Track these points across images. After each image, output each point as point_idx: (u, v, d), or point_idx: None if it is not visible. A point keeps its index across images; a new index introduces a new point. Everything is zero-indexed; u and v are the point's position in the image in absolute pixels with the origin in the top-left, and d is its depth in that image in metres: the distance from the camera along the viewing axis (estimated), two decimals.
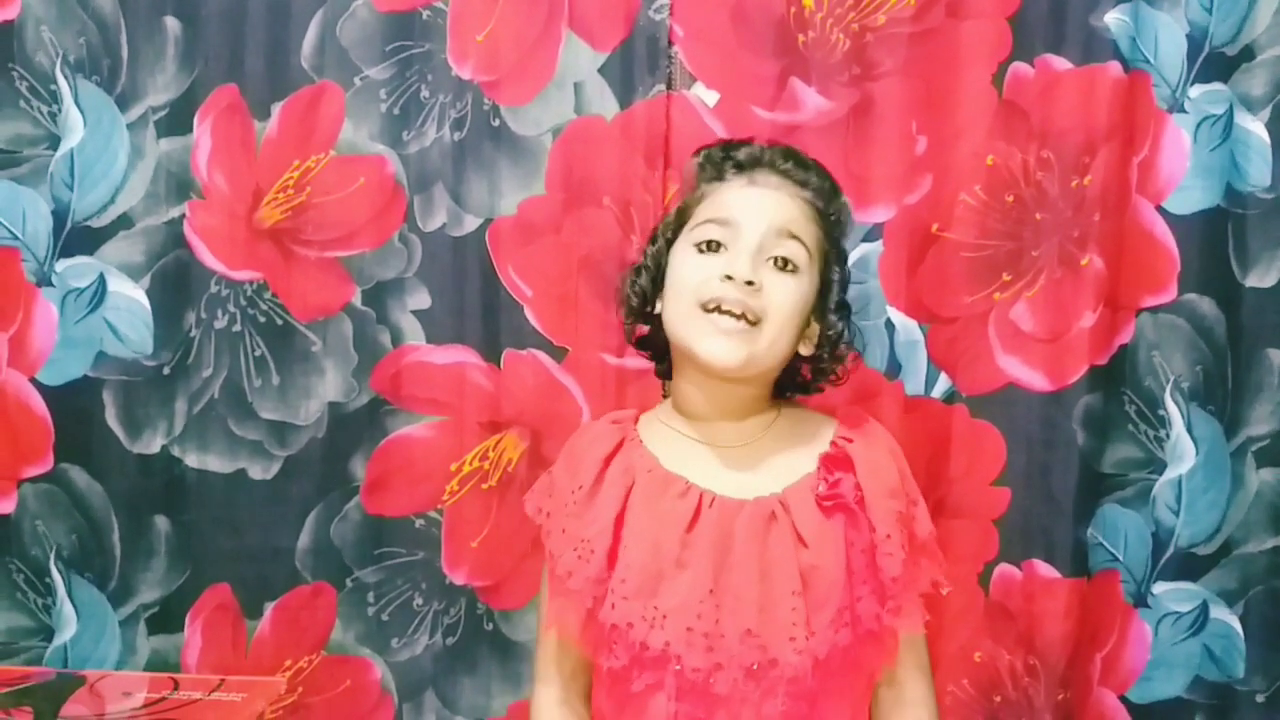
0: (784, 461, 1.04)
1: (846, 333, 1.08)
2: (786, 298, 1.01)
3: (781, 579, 0.98)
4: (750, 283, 0.99)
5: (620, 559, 1.01)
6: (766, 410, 1.08)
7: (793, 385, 1.11)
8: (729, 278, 0.99)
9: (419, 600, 1.37)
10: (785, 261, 1.02)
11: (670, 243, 1.07)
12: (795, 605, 0.97)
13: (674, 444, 1.06)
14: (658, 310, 1.08)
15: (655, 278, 1.08)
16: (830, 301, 1.07)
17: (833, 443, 1.05)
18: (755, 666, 0.97)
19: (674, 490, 1.02)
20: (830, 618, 0.98)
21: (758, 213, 1.03)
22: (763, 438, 1.06)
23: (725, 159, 1.08)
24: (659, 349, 1.13)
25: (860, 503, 1.01)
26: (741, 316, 0.99)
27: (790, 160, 1.07)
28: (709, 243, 1.03)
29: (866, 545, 1.00)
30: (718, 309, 1.00)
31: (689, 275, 1.02)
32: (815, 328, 1.06)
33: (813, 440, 1.06)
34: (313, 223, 1.35)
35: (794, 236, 1.03)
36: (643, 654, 0.98)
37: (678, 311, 1.03)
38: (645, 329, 1.13)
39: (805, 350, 1.07)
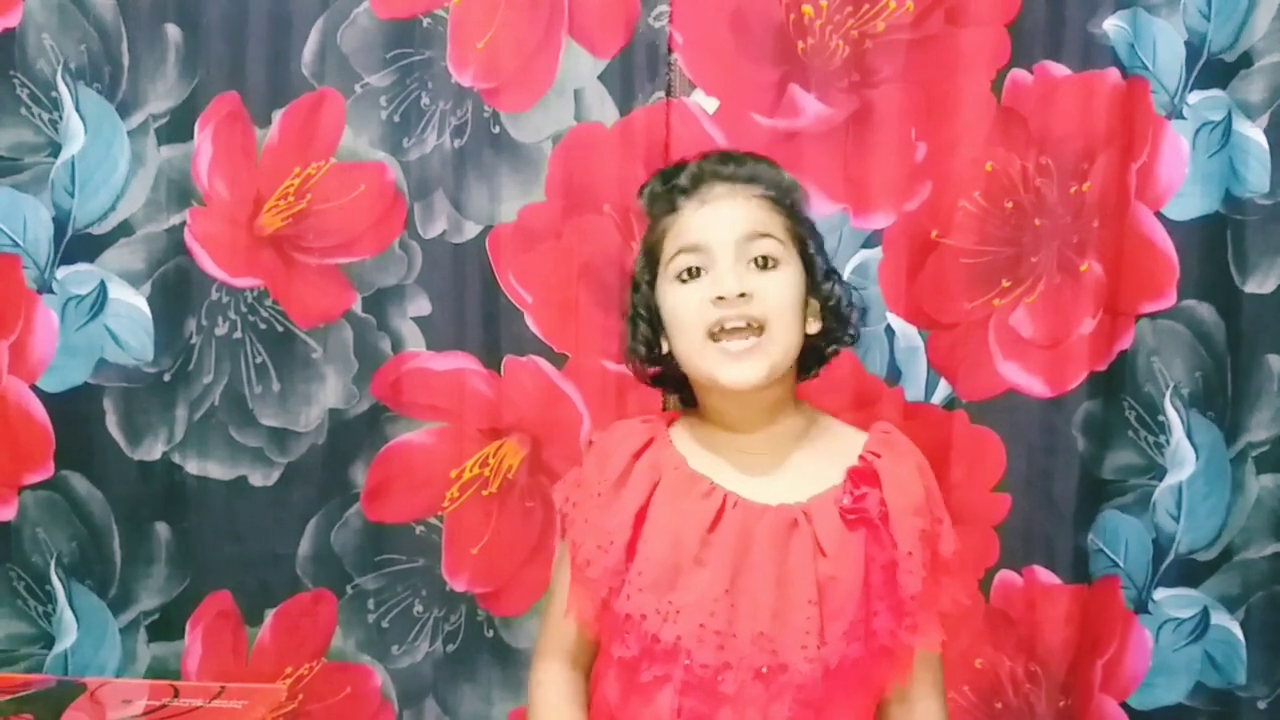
0: (812, 472, 1.05)
1: (844, 295, 1.09)
2: (781, 293, 1.03)
3: (798, 586, 0.99)
4: (743, 294, 1.00)
5: (639, 552, 1.02)
6: (794, 414, 1.08)
7: (812, 360, 1.11)
8: (721, 298, 1.01)
9: (419, 607, 1.37)
10: (765, 260, 1.03)
11: (651, 284, 1.08)
12: (810, 614, 0.98)
13: (703, 447, 1.07)
14: (665, 351, 1.09)
15: (652, 321, 1.09)
16: (819, 274, 1.08)
17: (861, 457, 1.05)
18: (765, 669, 0.98)
19: (698, 490, 1.03)
20: (844, 629, 0.99)
21: (721, 228, 1.04)
22: (792, 447, 1.07)
23: (669, 189, 1.08)
24: (675, 382, 1.13)
25: (884, 518, 1.01)
26: (748, 328, 1.01)
27: (728, 163, 1.08)
28: (689, 270, 1.04)
29: (887, 561, 1.00)
30: (722, 330, 1.01)
31: (683, 309, 1.04)
32: (814, 304, 1.08)
33: (842, 453, 1.06)
34: (313, 230, 1.35)
35: (763, 234, 1.04)
36: (654, 646, 0.99)
37: (688, 347, 1.04)
38: (656, 369, 1.14)
39: (813, 328, 1.08)
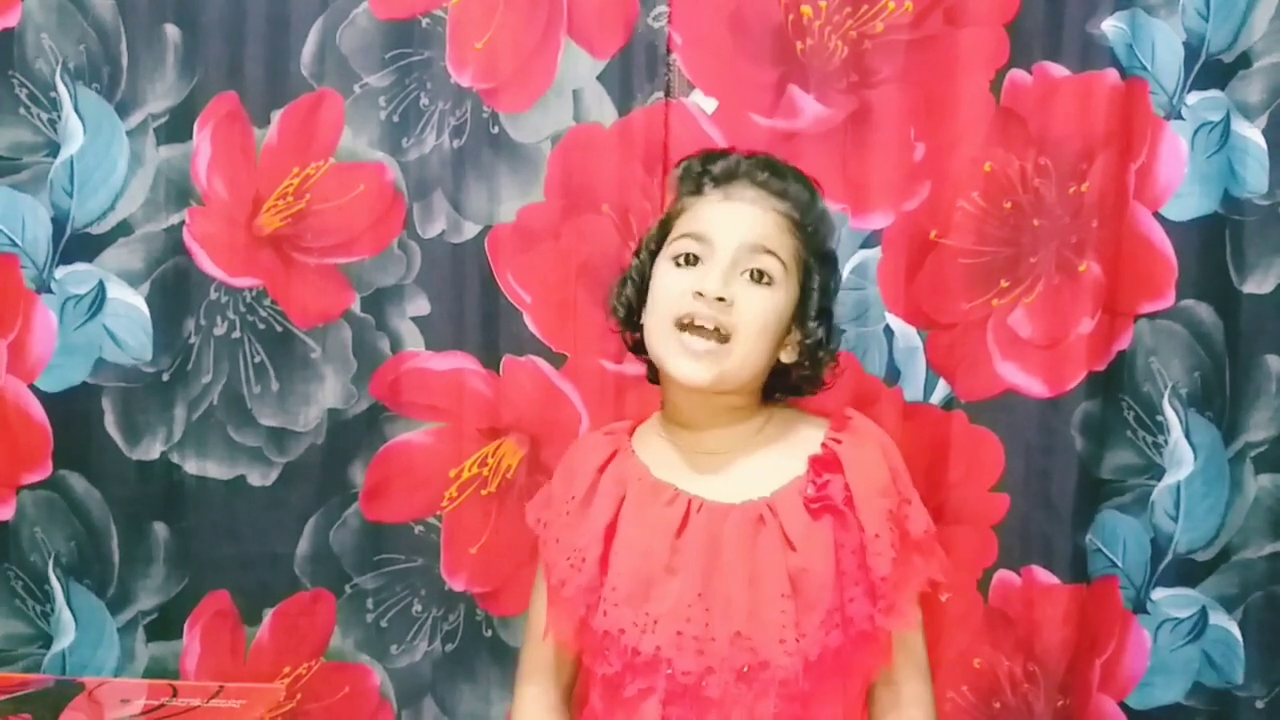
0: (774, 465, 1.05)
1: (827, 340, 1.08)
2: (758, 311, 1.02)
3: (770, 582, 0.99)
4: (721, 299, 1.00)
5: (612, 567, 1.02)
6: (755, 415, 1.08)
7: (785, 388, 1.12)
8: (700, 294, 1.00)
9: (418, 607, 1.37)
10: (760, 274, 1.03)
11: (654, 255, 1.09)
12: (784, 608, 0.98)
13: (665, 453, 1.08)
14: (644, 320, 1.09)
15: (640, 289, 1.10)
16: (810, 309, 1.07)
17: (823, 444, 1.05)
18: (746, 669, 0.98)
19: (663, 497, 1.04)
20: (820, 619, 0.99)
21: (731, 229, 1.04)
22: (753, 442, 1.07)
23: (703, 173, 1.09)
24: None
25: (849, 503, 1.01)
26: (714, 332, 1.01)
27: (767, 171, 1.08)
28: (686, 256, 1.04)
29: (856, 546, 1.01)
30: (690, 325, 1.01)
31: (665, 290, 1.04)
32: (796, 335, 1.07)
33: (803, 443, 1.06)
34: (312, 230, 1.35)
35: (768, 251, 1.04)
36: (635, 659, 0.99)
37: (655, 327, 1.05)
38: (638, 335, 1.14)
39: (787, 358, 1.07)
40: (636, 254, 1.13)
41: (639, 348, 1.15)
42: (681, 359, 1.01)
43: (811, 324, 1.07)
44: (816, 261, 1.08)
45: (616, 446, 1.09)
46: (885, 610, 1.00)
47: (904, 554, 1.01)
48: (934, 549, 1.06)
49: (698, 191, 1.08)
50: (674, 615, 0.99)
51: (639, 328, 1.11)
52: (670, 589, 1.00)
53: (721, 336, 1.01)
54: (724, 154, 1.10)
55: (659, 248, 1.09)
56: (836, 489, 1.01)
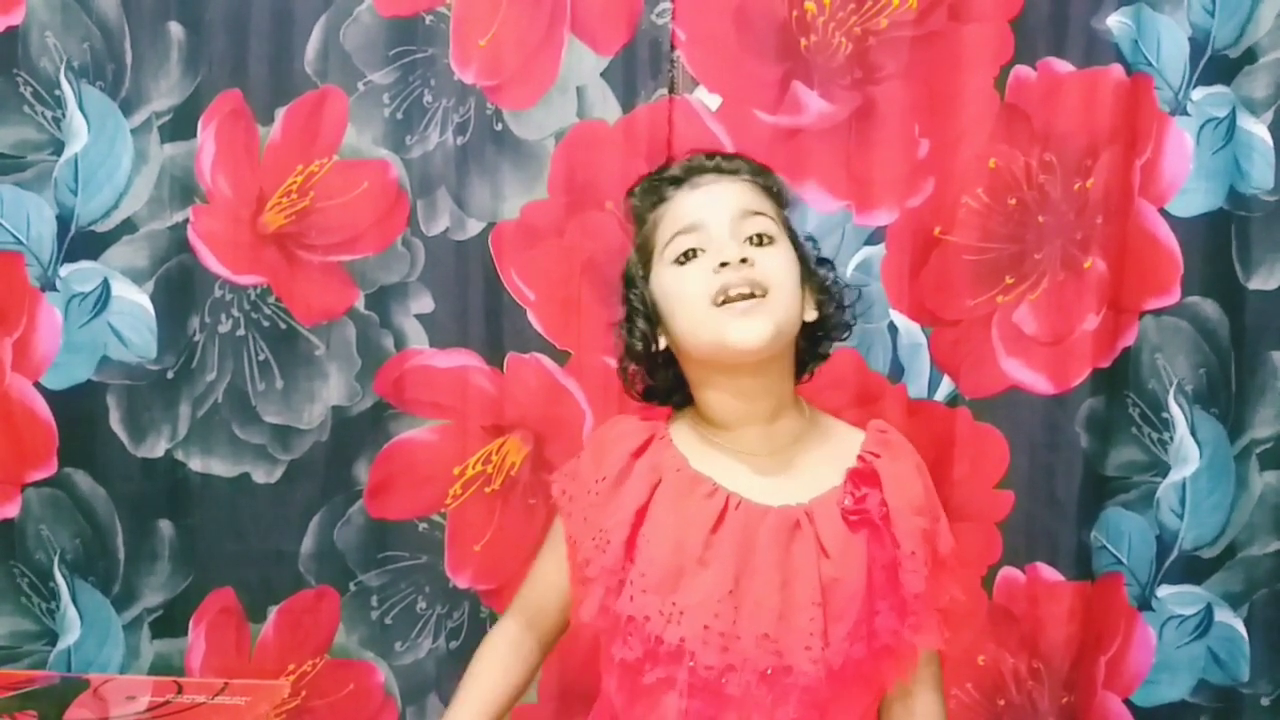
0: (812, 472, 1.05)
1: (837, 279, 1.11)
2: (780, 265, 1.03)
3: (802, 588, 0.99)
4: (745, 259, 1.01)
5: (641, 553, 1.01)
6: (794, 416, 1.08)
7: (809, 356, 1.11)
8: (724, 264, 1.00)
9: (422, 604, 1.37)
10: (760, 236, 1.04)
11: (646, 278, 1.08)
12: (814, 615, 0.98)
13: (702, 448, 1.07)
14: (662, 346, 1.08)
15: (648, 315, 1.09)
16: (810, 261, 1.09)
17: (860, 457, 1.05)
18: (769, 671, 0.97)
19: (701, 490, 1.03)
20: (847, 630, 0.98)
21: (716, 205, 1.05)
22: (792, 447, 1.06)
23: (659, 182, 1.10)
24: (665, 394, 1.13)
25: (885, 519, 1.01)
26: (751, 295, 1.00)
27: (715, 157, 1.11)
28: (685, 253, 1.04)
29: (889, 561, 1.00)
30: (727, 298, 1.00)
31: (685, 285, 1.03)
32: (809, 291, 1.08)
33: (841, 453, 1.06)
34: (316, 227, 1.35)
35: (757, 213, 1.05)
36: (657, 648, 0.99)
37: (691, 320, 1.03)
38: (653, 381, 1.14)
39: (810, 316, 1.07)
40: (629, 286, 1.12)
41: (650, 394, 1.14)
42: (734, 324, 1.00)
43: (820, 271, 1.09)
44: (789, 222, 1.10)
45: (653, 433, 1.07)
46: (914, 627, 1.00)
47: (933, 572, 1.02)
48: (954, 567, 1.06)
49: (662, 200, 1.08)
50: (702, 609, 0.98)
51: (657, 361, 1.10)
52: (701, 582, 0.99)
53: (760, 294, 1.00)
54: (665, 166, 1.13)
55: (648, 272, 1.08)
56: (874, 503, 1.01)
